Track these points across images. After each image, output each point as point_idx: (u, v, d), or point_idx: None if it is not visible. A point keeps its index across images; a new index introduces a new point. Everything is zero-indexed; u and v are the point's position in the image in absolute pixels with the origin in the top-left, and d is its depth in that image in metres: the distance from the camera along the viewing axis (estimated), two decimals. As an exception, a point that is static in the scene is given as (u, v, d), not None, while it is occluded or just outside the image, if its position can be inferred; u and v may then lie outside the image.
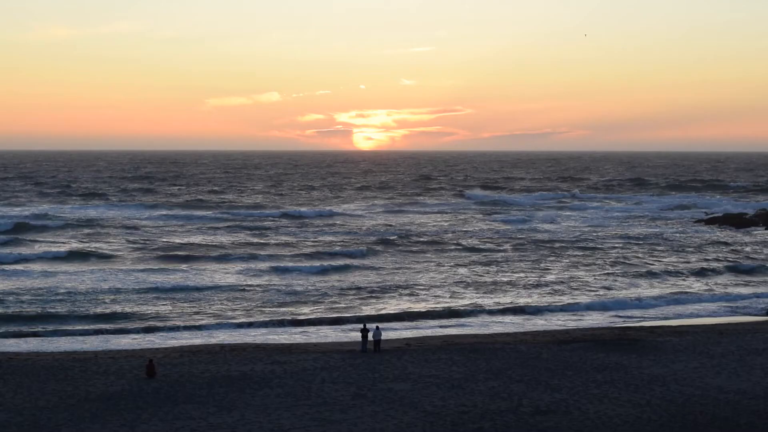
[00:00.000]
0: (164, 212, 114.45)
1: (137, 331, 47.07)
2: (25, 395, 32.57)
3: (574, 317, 51.64)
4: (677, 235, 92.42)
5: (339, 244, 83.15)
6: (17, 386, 33.81)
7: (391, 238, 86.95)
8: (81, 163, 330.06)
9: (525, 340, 43.15)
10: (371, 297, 56.73)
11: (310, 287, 59.87)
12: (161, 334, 46.45)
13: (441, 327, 48.47)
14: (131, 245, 79.66)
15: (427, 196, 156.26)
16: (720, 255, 76.68)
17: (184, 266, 67.74)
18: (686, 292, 59.24)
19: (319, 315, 51.46)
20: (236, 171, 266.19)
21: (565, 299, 56.49)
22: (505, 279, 63.60)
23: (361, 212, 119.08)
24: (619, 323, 49.53)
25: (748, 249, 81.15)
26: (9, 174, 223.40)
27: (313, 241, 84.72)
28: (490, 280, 63.35)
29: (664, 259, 74.00)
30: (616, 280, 63.57)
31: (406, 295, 57.57)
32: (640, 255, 76.21)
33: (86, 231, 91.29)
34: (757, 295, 58.28)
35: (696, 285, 62.33)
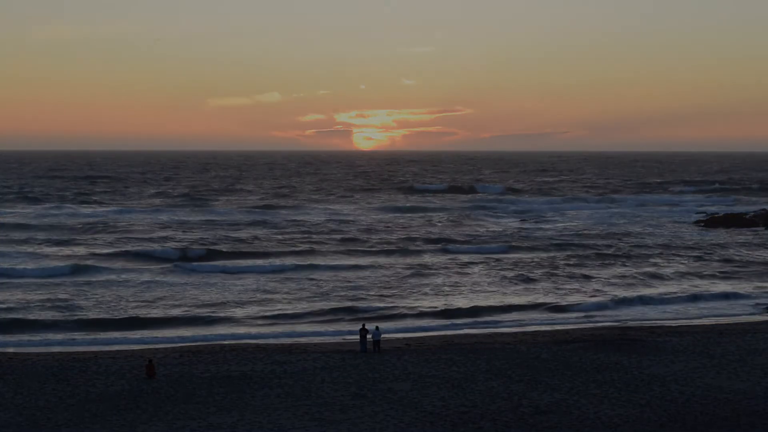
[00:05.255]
0: (167, 210, 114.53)
1: (137, 330, 47.11)
2: (25, 395, 32.58)
3: (575, 318, 51.68)
4: (677, 235, 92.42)
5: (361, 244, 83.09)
6: (17, 386, 33.82)
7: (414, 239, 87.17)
8: (86, 164, 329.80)
9: (525, 340, 43.17)
10: (387, 298, 56.76)
11: (319, 289, 59.86)
12: (161, 334, 46.46)
13: (441, 327, 48.52)
14: (134, 245, 79.76)
15: (440, 197, 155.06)
16: (720, 255, 76.66)
17: (189, 267, 67.70)
18: (685, 292, 59.23)
19: (324, 317, 51.45)
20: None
21: (566, 300, 56.51)
22: (512, 277, 63.69)
23: (383, 214, 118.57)
24: (619, 323, 49.54)
25: (748, 249, 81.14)
26: (10, 175, 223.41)
27: (321, 241, 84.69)
28: (501, 281, 63.41)
29: (663, 260, 73.96)
30: (615, 280, 63.57)
31: (413, 297, 57.61)
32: (639, 256, 76.16)
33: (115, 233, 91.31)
34: (757, 295, 58.28)
35: (695, 285, 62.29)
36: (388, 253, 76.83)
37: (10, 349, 41.86)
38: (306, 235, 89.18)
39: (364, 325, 41.52)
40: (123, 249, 76.75)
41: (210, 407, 30.98)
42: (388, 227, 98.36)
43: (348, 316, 51.03)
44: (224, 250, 77.38)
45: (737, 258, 75.06)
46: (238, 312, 51.88)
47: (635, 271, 67.82)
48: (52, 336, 45.66)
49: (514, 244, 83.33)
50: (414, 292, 58.27)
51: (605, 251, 78.42)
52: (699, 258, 74.96)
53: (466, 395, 32.47)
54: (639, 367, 37.00)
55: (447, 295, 57.60)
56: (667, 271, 67.86)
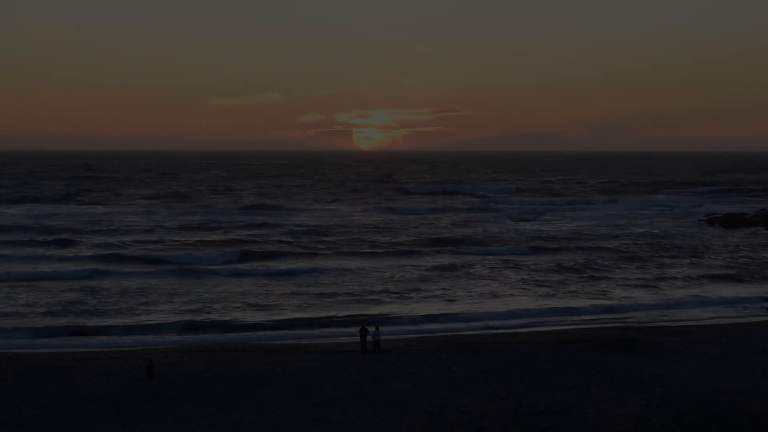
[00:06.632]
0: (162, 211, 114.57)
1: (136, 330, 47.12)
2: (25, 395, 32.57)
3: (577, 318, 51.67)
4: (677, 235, 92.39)
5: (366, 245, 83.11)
6: (17, 386, 33.81)
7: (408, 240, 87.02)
8: (85, 164, 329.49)
9: (525, 340, 43.16)
10: (388, 299, 56.72)
11: (321, 289, 59.82)
12: (162, 334, 46.49)
13: (441, 327, 48.52)
14: (133, 247, 79.80)
15: (441, 198, 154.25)
16: (720, 255, 76.65)
17: (190, 269, 67.62)
18: (685, 292, 59.24)
19: (325, 316, 51.40)
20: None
21: (565, 301, 56.53)
22: (513, 278, 63.71)
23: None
24: (619, 323, 49.55)
25: (748, 249, 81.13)
26: (7, 175, 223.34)
27: (326, 243, 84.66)
28: (497, 280, 63.43)
29: (663, 260, 73.94)
30: (617, 281, 63.57)
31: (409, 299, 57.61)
32: (640, 256, 76.14)
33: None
34: (757, 295, 58.27)
35: (695, 285, 62.30)
36: (391, 254, 76.67)
37: (10, 350, 41.85)
38: (307, 236, 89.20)
39: (364, 325, 41.51)
40: (123, 251, 76.75)
41: (210, 407, 30.98)
42: (391, 228, 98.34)
43: (349, 316, 50.98)
44: (225, 251, 77.37)
45: (737, 258, 75.03)
46: (238, 313, 51.90)
47: (636, 270, 67.83)
48: (52, 337, 45.69)
49: (518, 245, 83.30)
50: (417, 293, 58.20)
51: (608, 252, 78.37)
52: (699, 258, 74.93)
53: (466, 395, 32.46)
54: (639, 367, 36.99)
55: (448, 295, 57.57)
56: (668, 271, 67.84)
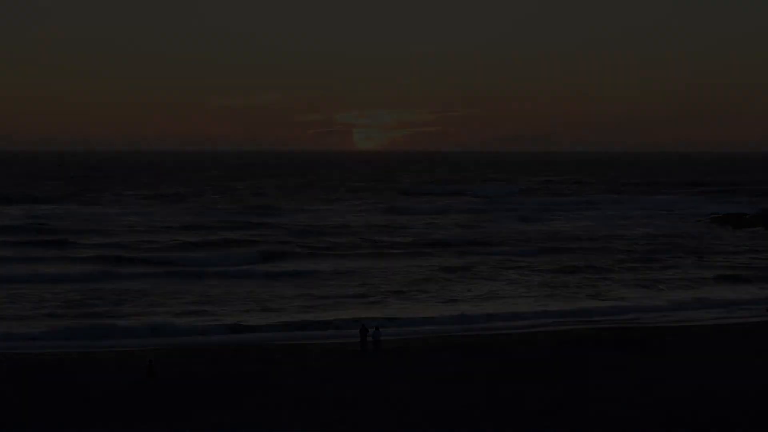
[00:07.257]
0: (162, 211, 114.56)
1: (137, 330, 47.09)
2: (25, 395, 32.55)
3: (575, 318, 51.62)
4: (678, 235, 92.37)
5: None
6: (17, 386, 33.79)
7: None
8: (83, 164, 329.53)
9: (526, 340, 43.19)
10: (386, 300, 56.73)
11: (321, 290, 59.79)
12: (162, 334, 46.46)
13: (442, 327, 48.51)
14: (133, 248, 79.84)
15: (442, 198, 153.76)
16: (720, 255, 76.61)
17: (190, 269, 67.51)
18: (686, 293, 59.20)
19: (325, 317, 51.36)
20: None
21: (567, 301, 56.51)
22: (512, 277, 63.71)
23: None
24: (620, 323, 49.53)
25: (748, 250, 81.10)
26: (7, 175, 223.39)
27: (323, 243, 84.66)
28: (494, 279, 63.42)
29: (664, 261, 73.92)
30: (618, 281, 63.55)
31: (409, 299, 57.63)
32: (641, 257, 76.12)
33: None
34: (757, 296, 58.23)
35: (695, 285, 62.26)
36: (392, 255, 76.58)
37: (10, 350, 41.84)
38: (307, 236, 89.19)
39: (364, 325, 41.50)
40: (123, 251, 76.63)
41: (210, 407, 30.95)
42: (391, 229, 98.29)
43: (350, 317, 50.94)
44: (225, 251, 77.36)
45: (737, 258, 75.01)
46: (239, 313, 51.86)
47: (637, 271, 67.79)
48: (52, 338, 45.67)
49: (518, 245, 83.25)
50: (418, 293, 58.17)
51: (609, 252, 78.33)
52: (699, 258, 74.88)
53: (467, 395, 32.43)
54: (639, 367, 36.96)
55: (450, 296, 57.56)
56: (668, 271, 67.82)
